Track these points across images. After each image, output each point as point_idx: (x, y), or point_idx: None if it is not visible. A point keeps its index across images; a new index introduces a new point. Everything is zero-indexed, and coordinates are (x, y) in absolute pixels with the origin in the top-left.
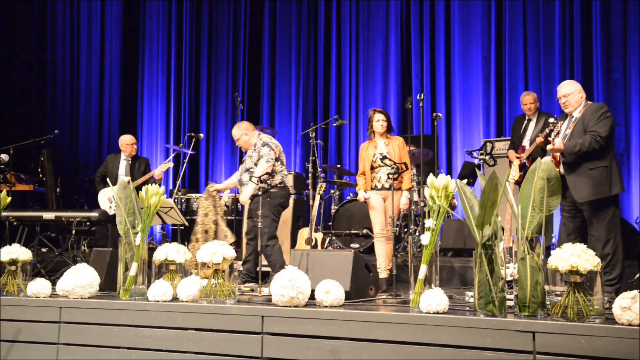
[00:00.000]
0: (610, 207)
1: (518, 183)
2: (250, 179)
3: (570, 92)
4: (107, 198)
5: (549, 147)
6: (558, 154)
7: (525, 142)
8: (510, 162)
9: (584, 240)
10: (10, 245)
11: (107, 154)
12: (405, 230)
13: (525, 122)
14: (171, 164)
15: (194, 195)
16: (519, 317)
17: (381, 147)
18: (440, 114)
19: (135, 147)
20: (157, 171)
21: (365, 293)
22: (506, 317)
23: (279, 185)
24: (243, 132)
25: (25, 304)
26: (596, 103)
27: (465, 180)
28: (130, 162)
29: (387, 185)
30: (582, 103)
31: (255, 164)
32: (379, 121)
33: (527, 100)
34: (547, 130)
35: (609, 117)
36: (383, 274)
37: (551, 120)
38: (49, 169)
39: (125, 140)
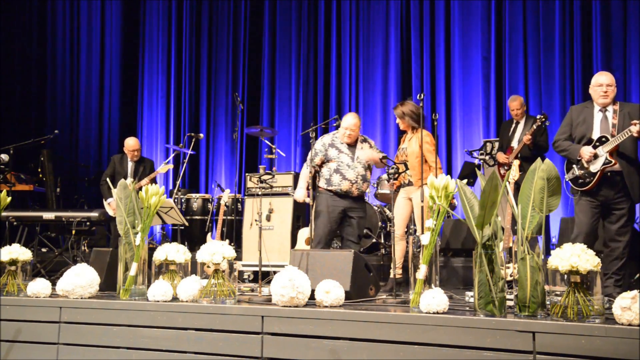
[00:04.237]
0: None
1: (518, 183)
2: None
3: (614, 83)
4: None
5: (635, 127)
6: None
7: (514, 143)
8: (500, 165)
9: (595, 240)
10: (10, 245)
11: (108, 154)
12: (406, 230)
13: (514, 125)
14: (171, 166)
15: (193, 195)
16: (519, 317)
17: (406, 142)
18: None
19: (139, 151)
20: (157, 172)
21: (365, 293)
22: (506, 317)
23: None
24: (359, 125)
25: (25, 304)
26: (636, 103)
27: (465, 180)
28: (135, 164)
29: (413, 181)
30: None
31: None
32: (397, 119)
33: (514, 105)
34: (533, 127)
35: None
36: (391, 273)
37: (538, 116)
38: (49, 169)
39: (129, 146)
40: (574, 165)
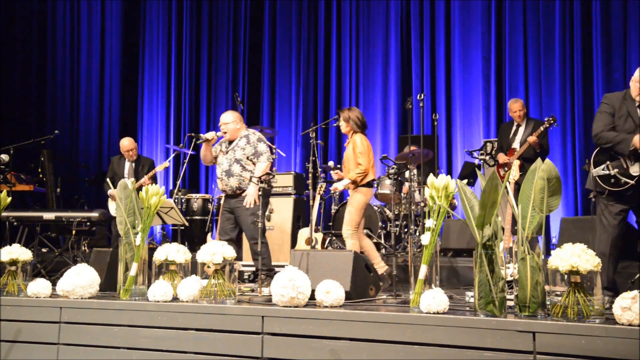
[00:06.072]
0: None
1: (518, 183)
2: (251, 180)
3: None
4: None
5: None
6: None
7: (515, 144)
8: (499, 165)
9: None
10: (10, 245)
11: (108, 154)
12: (406, 230)
13: (515, 127)
14: (167, 164)
15: (194, 195)
16: (519, 317)
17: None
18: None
19: (135, 151)
20: (155, 170)
21: (366, 293)
22: (506, 317)
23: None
24: (235, 120)
25: (26, 304)
26: None
27: (465, 181)
28: (133, 164)
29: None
30: None
31: (248, 158)
32: (341, 121)
33: (516, 107)
34: (541, 129)
35: None
36: (379, 271)
37: (547, 118)
38: (49, 169)
39: (124, 146)
40: (608, 162)
